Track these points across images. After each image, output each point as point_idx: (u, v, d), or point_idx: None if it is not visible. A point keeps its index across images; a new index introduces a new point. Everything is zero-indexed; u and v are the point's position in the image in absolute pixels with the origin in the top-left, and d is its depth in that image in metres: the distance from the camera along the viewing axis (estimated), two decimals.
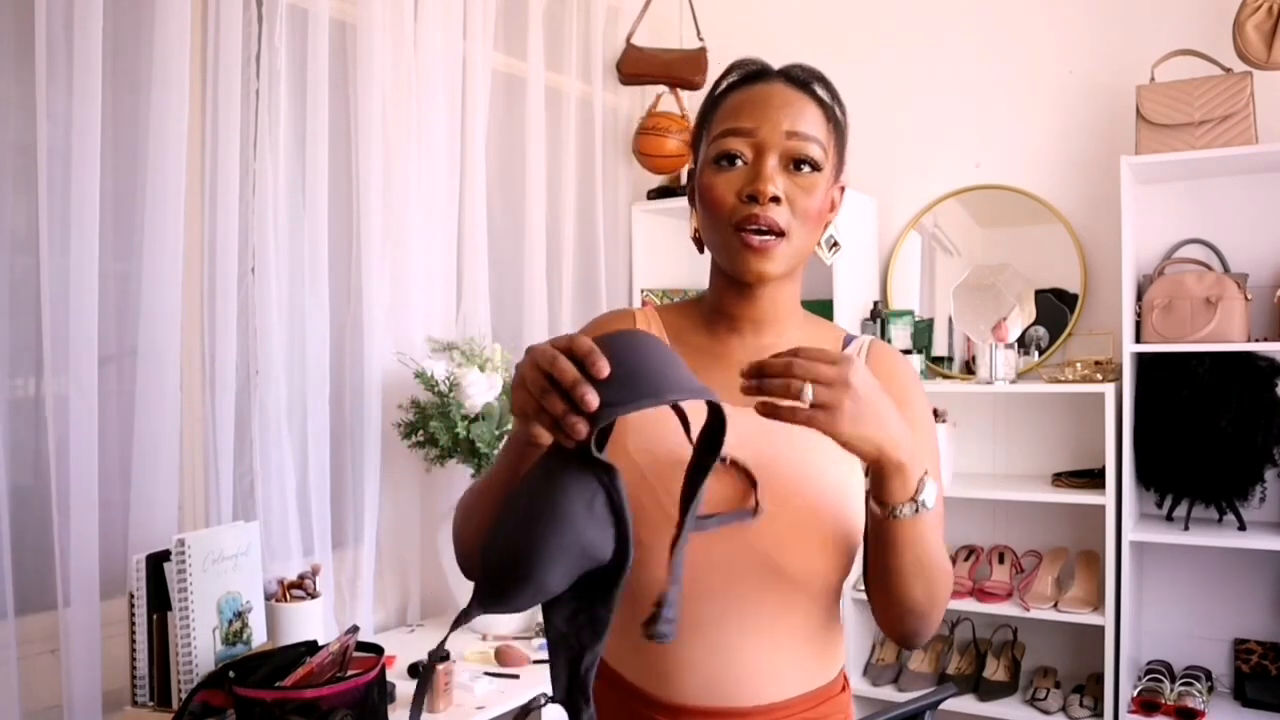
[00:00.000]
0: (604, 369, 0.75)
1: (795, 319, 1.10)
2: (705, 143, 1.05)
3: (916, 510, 0.90)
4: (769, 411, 0.83)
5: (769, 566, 0.99)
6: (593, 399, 0.74)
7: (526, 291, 2.76)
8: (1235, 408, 2.40)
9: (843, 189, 1.09)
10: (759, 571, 0.99)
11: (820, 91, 1.05)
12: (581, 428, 0.74)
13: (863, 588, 1.07)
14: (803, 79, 1.05)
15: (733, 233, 1.00)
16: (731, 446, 0.88)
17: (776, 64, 1.08)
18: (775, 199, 0.98)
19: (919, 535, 0.92)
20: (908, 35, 3.01)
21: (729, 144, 1.00)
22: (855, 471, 1.02)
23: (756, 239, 0.98)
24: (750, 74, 1.06)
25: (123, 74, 1.85)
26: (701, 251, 1.08)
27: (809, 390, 0.81)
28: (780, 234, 0.99)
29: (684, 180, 3.13)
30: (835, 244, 1.12)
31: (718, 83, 1.08)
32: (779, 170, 1.00)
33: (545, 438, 0.77)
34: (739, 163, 1.00)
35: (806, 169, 1.00)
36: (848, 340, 1.12)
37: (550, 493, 0.77)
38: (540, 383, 0.76)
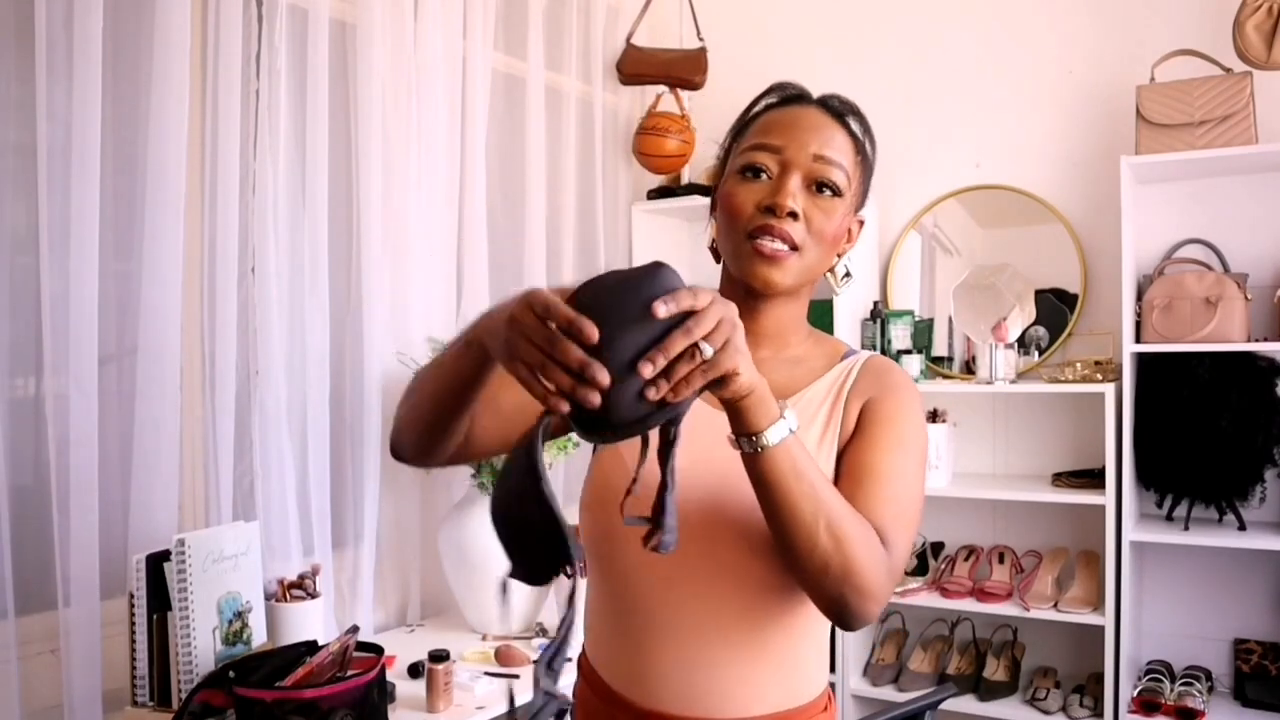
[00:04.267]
0: (593, 335, 0.73)
1: (798, 336, 1.11)
2: (733, 157, 1.07)
3: (757, 449, 0.84)
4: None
5: (736, 572, 0.98)
6: (604, 378, 0.73)
7: None
8: (1235, 408, 2.40)
9: (861, 222, 1.11)
10: (724, 577, 0.99)
11: (853, 124, 1.07)
12: (595, 398, 0.73)
13: None
14: (838, 109, 1.07)
15: (746, 240, 1.01)
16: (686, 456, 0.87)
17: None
18: (793, 214, 1.00)
19: (784, 472, 0.85)
20: (907, 35, 3.01)
21: (756, 157, 1.02)
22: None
23: (769, 246, 1.00)
24: (787, 97, 1.08)
25: (123, 74, 1.85)
26: (718, 261, 1.09)
27: (706, 348, 0.77)
28: (794, 248, 1.01)
29: (684, 180, 3.13)
30: (848, 274, 1.12)
31: (754, 102, 1.09)
32: (801, 189, 1.01)
33: (562, 407, 0.75)
34: (763, 176, 1.02)
35: (828, 192, 1.02)
36: (847, 354, 1.12)
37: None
38: (538, 357, 0.75)
